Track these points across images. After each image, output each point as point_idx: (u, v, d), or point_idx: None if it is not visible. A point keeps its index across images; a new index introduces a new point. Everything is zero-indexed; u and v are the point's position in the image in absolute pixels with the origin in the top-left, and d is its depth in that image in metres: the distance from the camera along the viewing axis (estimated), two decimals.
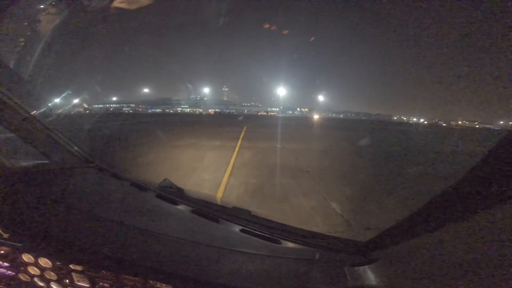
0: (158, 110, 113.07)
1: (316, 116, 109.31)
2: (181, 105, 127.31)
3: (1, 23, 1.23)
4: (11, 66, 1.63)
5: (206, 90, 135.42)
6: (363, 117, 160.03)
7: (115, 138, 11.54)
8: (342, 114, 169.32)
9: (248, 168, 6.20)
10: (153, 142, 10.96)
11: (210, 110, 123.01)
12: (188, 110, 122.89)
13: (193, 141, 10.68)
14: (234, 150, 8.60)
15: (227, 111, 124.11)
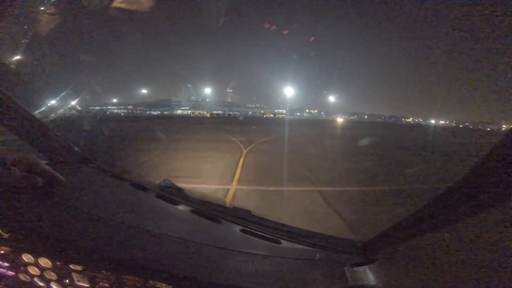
0: (156, 113, 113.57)
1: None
2: (181, 106, 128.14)
3: (1, 23, 1.30)
4: (11, 66, 1.71)
5: (208, 91, 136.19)
6: (378, 119, 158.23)
7: None
8: (355, 116, 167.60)
9: None
10: None
11: (206, 112, 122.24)
12: (189, 112, 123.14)
13: None
14: None
15: (229, 113, 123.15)
